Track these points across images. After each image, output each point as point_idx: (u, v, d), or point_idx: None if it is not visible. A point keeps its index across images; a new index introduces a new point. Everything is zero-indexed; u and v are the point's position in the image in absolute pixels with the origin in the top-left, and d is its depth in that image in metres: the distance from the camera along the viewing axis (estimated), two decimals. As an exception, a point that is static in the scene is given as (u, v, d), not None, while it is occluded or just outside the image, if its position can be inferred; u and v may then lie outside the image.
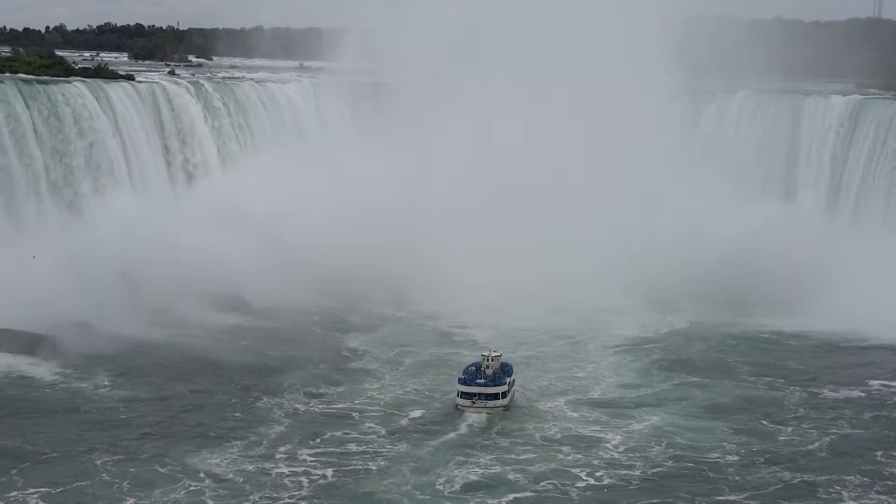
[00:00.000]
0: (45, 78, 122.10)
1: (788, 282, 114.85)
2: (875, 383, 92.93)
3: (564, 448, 76.41)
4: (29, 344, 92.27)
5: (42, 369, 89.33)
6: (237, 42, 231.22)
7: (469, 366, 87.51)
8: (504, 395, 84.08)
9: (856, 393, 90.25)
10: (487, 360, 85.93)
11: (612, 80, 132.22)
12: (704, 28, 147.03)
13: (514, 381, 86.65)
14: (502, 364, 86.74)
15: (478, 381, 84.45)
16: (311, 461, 73.03)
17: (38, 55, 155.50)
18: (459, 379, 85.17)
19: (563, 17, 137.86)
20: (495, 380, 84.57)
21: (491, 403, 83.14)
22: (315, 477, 70.67)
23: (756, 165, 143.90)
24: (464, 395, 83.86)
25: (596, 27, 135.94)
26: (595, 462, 74.03)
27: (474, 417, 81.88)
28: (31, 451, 73.39)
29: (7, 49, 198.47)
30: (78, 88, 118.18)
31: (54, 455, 73.02)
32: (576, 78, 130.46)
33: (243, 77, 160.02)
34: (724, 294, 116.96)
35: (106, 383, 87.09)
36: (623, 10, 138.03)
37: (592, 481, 71.39)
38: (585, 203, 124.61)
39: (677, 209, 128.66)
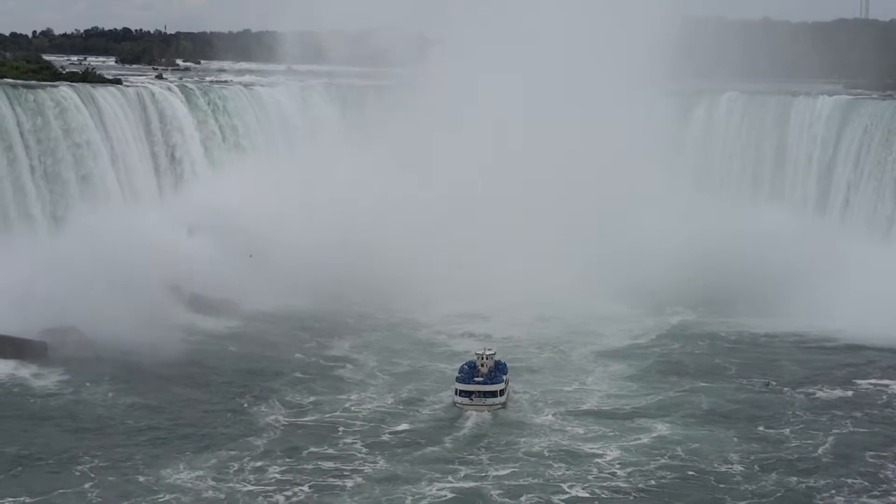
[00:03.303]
0: (33, 82, 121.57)
1: (776, 283, 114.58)
2: (863, 382, 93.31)
3: (554, 461, 74.40)
4: (20, 349, 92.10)
5: (32, 375, 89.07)
6: (225, 46, 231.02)
7: (464, 364, 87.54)
8: (502, 392, 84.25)
9: (848, 393, 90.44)
10: (482, 358, 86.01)
11: (601, 81, 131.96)
12: (692, 29, 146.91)
13: (509, 379, 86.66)
14: (496, 362, 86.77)
15: (476, 379, 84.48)
16: (289, 476, 71.60)
17: (26, 59, 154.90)
18: (457, 377, 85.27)
19: (550, 17, 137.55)
20: (492, 378, 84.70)
21: (490, 401, 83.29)
22: (289, 493, 69.35)
23: (744, 166, 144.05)
24: (462, 392, 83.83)
25: (584, 28, 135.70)
26: (589, 476, 72.07)
27: (474, 415, 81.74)
28: (23, 457, 73.24)
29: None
30: (65, 92, 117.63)
31: (49, 461, 72.77)
32: (564, 79, 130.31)
33: (231, 80, 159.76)
34: (712, 297, 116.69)
35: (95, 389, 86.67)
36: (611, 11, 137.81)
37: (585, 494, 69.52)
38: (572, 207, 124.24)
39: (665, 211, 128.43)
